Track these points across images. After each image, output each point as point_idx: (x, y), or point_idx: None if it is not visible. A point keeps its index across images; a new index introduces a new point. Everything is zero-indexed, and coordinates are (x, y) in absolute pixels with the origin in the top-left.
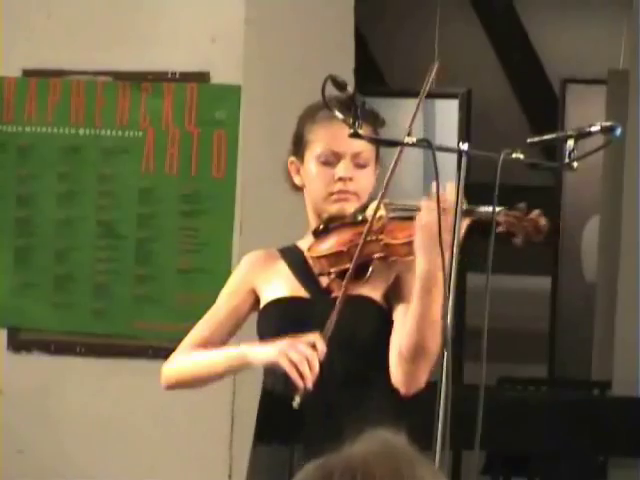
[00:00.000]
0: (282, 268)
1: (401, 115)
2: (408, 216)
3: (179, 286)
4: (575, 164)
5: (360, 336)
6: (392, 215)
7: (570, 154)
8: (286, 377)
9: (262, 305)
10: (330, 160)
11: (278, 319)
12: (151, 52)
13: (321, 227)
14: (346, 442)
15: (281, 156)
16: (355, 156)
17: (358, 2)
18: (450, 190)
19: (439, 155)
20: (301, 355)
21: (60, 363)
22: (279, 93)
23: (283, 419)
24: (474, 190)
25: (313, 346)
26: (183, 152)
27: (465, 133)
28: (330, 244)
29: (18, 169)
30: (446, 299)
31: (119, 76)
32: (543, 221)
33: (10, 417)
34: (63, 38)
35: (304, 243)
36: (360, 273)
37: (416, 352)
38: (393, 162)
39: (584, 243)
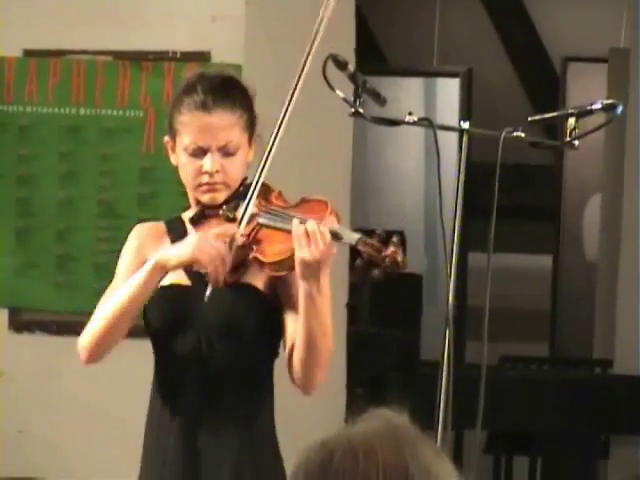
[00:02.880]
0: (167, 244)
1: (402, 93)
2: (279, 227)
3: None
4: (576, 142)
5: (245, 323)
6: (262, 221)
7: (571, 132)
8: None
9: None
10: (197, 153)
11: (161, 307)
12: (152, 31)
13: (197, 215)
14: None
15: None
16: (222, 147)
17: None
18: (311, 223)
19: (440, 135)
20: (216, 250)
21: (62, 343)
22: (280, 72)
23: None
24: (475, 169)
25: (226, 239)
26: None
27: (466, 112)
28: None
29: (19, 149)
30: (448, 278)
31: (120, 56)
32: (400, 257)
33: (11, 397)
34: (63, 18)
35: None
36: (238, 265)
37: (309, 358)
38: (263, 159)
39: (585, 222)
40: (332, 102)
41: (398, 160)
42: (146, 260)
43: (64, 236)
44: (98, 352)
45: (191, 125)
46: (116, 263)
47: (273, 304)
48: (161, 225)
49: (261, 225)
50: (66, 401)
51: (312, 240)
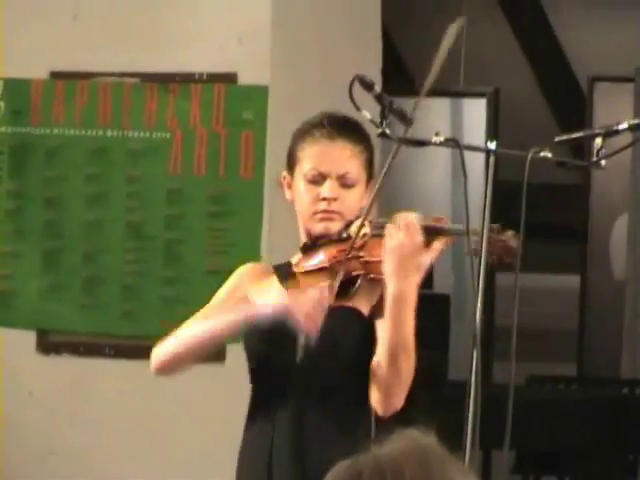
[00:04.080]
0: (273, 282)
1: (429, 114)
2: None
3: (207, 287)
4: (603, 162)
5: (345, 346)
6: (374, 232)
7: (598, 152)
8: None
9: None
10: (317, 179)
11: (264, 329)
12: (178, 53)
13: (309, 244)
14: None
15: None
16: (341, 177)
17: (385, 1)
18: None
19: (467, 154)
20: (311, 302)
21: (89, 365)
22: (306, 93)
23: (263, 423)
24: (502, 189)
25: (321, 293)
26: (211, 153)
27: (493, 132)
28: (315, 260)
29: (46, 171)
30: (476, 298)
31: (146, 78)
32: (514, 243)
33: (40, 418)
34: (90, 40)
35: (296, 259)
36: (345, 290)
37: (389, 373)
38: (380, 179)
39: (613, 241)
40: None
41: (425, 180)
42: (245, 294)
43: (91, 258)
44: (170, 366)
45: (314, 152)
46: (143, 285)
47: (374, 332)
48: (267, 265)
49: (372, 236)
50: (95, 422)
51: (400, 228)
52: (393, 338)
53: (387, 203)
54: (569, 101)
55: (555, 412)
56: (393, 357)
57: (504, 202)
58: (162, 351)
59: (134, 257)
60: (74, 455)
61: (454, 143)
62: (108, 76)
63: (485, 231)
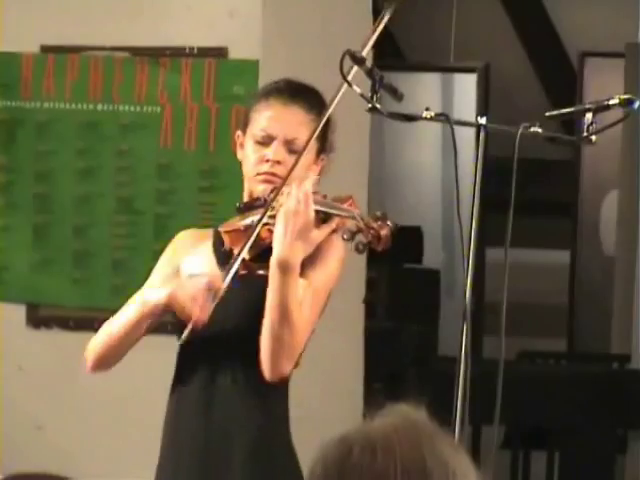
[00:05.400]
0: (207, 247)
1: (419, 89)
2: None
3: None
4: (593, 137)
5: (262, 315)
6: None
7: (588, 127)
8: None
9: None
10: (265, 140)
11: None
12: (169, 27)
13: (242, 205)
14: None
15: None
16: (289, 142)
17: None
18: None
19: (457, 130)
20: (195, 291)
21: (79, 339)
22: (297, 68)
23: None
24: (493, 164)
25: (209, 284)
26: (201, 127)
27: (483, 107)
28: (239, 222)
29: (36, 145)
30: (466, 273)
31: (137, 52)
32: (385, 232)
33: (29, 393)
34: (81, 14)
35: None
36: (268, 259)
37: (270, 339)
38: (303, 149)
39: (603, 217)
40: (349, 98)
41: (415, 155)
42: (177, 268)
43: (81, 232)
44: (101, 366)
45: (265, 113)
46: (133, 259)
47: None
48: (208, 230)
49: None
50: (84, 397)
51: (296, 195)
52: (273, 303)
53: (377, 179)
54: (560, 76)
55: (545, 387)
56: (273, 323)
57: (494, 177)
58: (90, 353)
59: (124, 231)
60: (61, 430)
61: (444, 118)
62: (99, 50)
63: (475, 207)
